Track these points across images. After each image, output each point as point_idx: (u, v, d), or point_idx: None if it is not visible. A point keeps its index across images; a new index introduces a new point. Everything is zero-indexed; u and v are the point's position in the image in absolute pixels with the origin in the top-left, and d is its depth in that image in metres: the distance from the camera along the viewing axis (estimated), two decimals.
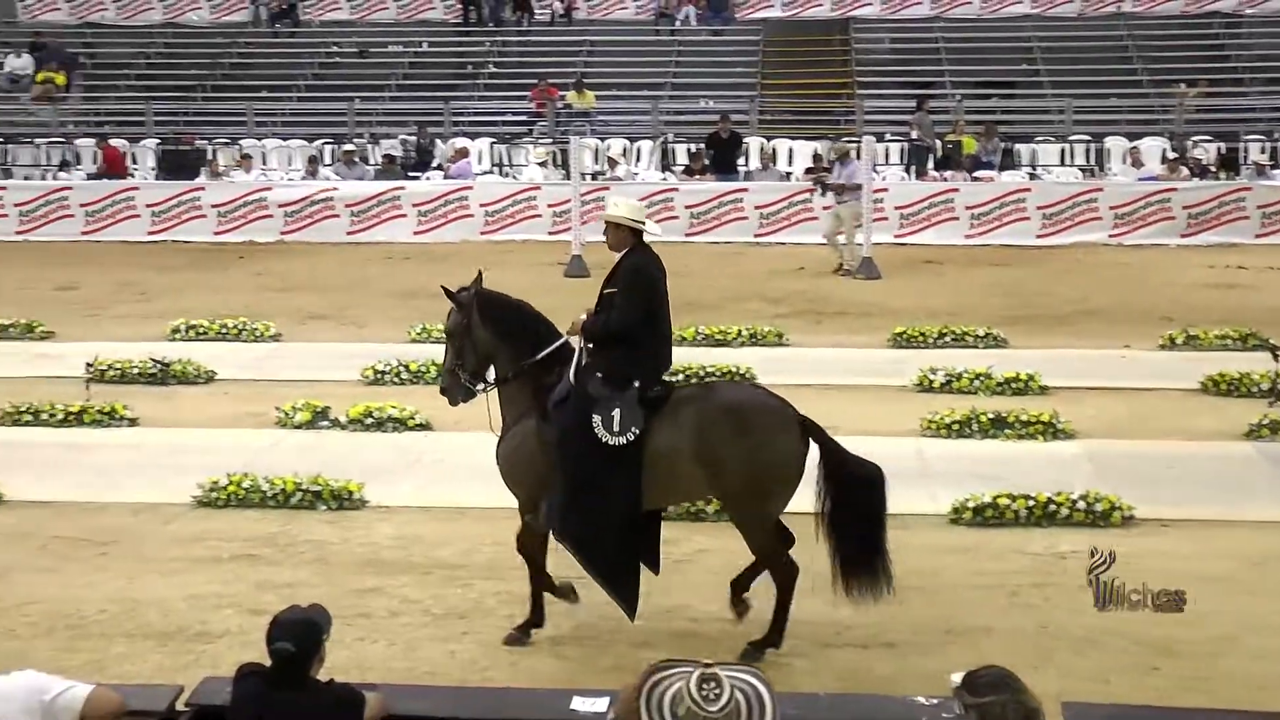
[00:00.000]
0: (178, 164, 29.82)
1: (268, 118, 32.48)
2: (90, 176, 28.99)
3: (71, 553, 10.56)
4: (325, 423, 13.89)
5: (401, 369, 15.69)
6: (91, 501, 11.73)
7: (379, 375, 15.66)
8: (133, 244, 26.69)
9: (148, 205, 27.41)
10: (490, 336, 8.89)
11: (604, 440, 8.42)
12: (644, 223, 8.76)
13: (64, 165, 30.17)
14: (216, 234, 27.05)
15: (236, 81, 34.31)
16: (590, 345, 8.67)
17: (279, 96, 33.34)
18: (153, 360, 15.96)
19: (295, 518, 11.32)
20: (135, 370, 15.81)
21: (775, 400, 8.80)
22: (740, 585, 8.93)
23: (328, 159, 29.79)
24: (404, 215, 26.95)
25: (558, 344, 8.81)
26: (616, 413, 8.42)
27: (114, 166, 29.32)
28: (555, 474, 8.59)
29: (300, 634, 5.69)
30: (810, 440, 8.57)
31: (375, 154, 29.96)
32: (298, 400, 14.21)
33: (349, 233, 26.87)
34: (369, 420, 13.73)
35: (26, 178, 30.02)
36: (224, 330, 18.02)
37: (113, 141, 30.29)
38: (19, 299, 20.95)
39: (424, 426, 13.71)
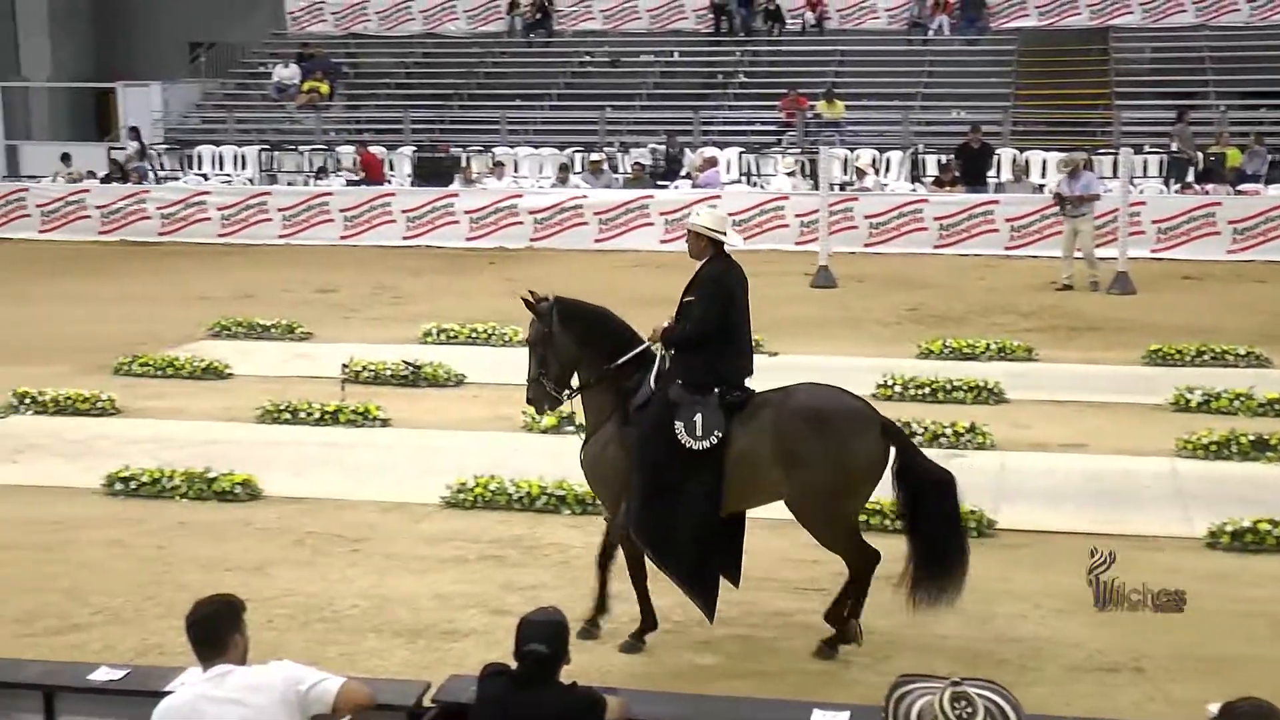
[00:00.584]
0: (433, 171, 30.61)
1: (520, 126, 33.09)
2: (349, 183, 29.91)
3: (326, 548, 10.89)
4: (572, 427, 13.95)
5: None
6: (345, 499, 12.08)
7: None
8: (388, 248, 27.41)
9: (403, 211, 28.17)
10: (571, 344, 9.14)
11: (686, 445, 8.62)
12: (724, 233, 8.93)
13: (322, 172, 31.19)
14: (468, 240, 27.65)
15: (491, 90, 35.02)
16: (671, 352, 8.88)
17: (532, 105, 33.95)
18: (405, 363, 16.37)
19: (540, 521, 11.49)
20: (389, 372, 16.24)
21: (856, 402, 8.93)
22: (836, 615, 8.84)
23: (578, 167, 30.23)
24: (651, 223, 27.18)
25: (638, 349, 9.02)
26: (699, 418, 8.63)
27: (372, 173, 30.21)
28: (634, 477, 8.79)
29: (552, 636, 5.76)
30: (890, 444, 8.61)
31: (625, 162, 30.30)
32: None
33: (597, 240, 27.22)
34: None
35: (290, 183, 31.15)
36: (474, 334, 18.40)
37: (372, 148, 31.22)
38: (281, 300, 21.73)
39: None
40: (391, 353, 16.91)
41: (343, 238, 28.19)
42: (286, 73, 35.48)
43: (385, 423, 14.48)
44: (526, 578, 10.14)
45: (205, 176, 31.85)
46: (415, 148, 32.17)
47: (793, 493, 8.70)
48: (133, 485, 12.37)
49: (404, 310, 21.03)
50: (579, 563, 10.48)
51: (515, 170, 30.88)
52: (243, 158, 32.76)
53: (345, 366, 15.67)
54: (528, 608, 6.16)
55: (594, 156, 29.72)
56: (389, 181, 30.41)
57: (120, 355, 17.35)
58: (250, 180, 31.69)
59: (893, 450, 8.62)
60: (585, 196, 27.73)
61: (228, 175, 32.16)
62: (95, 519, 11.75)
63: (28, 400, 15.22)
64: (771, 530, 9.71)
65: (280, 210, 28.71)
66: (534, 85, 34.84)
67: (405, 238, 27.94)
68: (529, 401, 9.51)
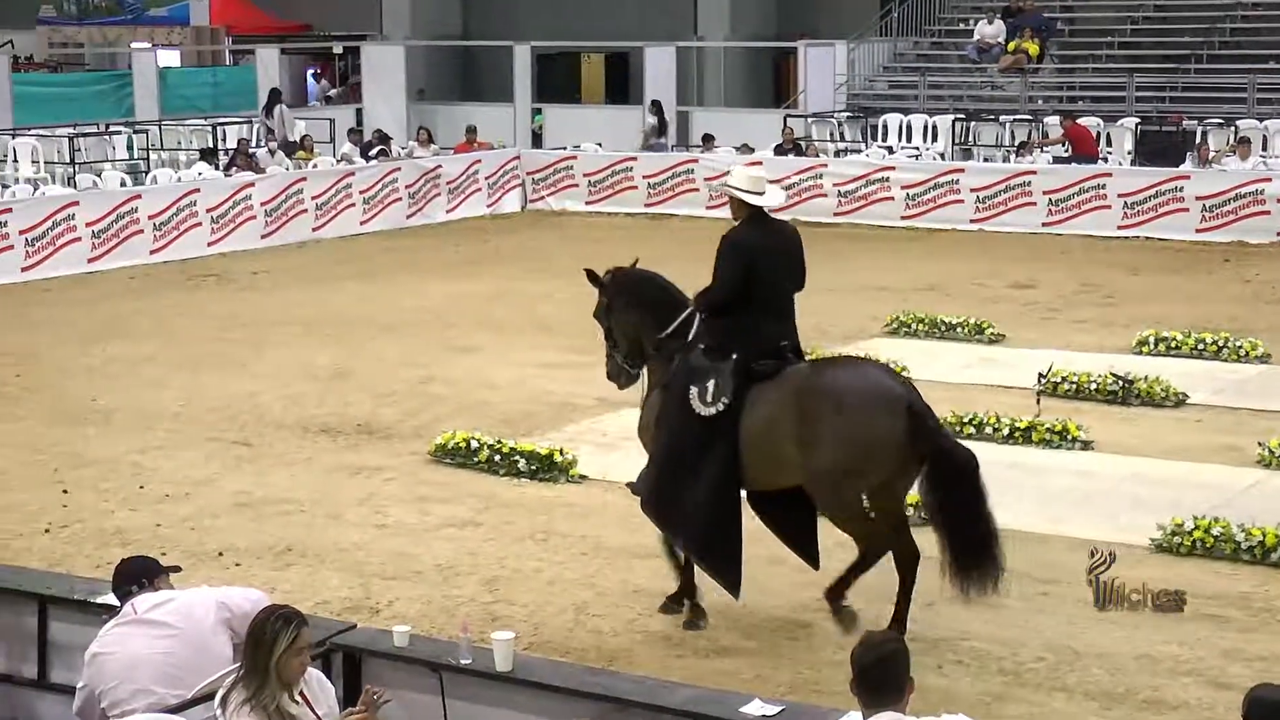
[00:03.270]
0: (1159, 148, 30.00)
1: (1274, 93, 31.89)
2: (1056, 160, 29.70)
3: (1009, 587, 10.84)
4: None
5: None
6: (1034, 531, 11.97)
7: None
8: (1099, 239, 27.07)
9: (1120, 195, 27.65)
10: (628, 316, 10.37)
11: (698, 411, 9.67)
12: (759, 193, 9.86)
13: (1024, 146, 31.04)
14: (1199, 231, 26.83)
15: (1236, 50, 33.95)
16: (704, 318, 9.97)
17: None
18: (1114, 375, 16.11)
19: (1274, 577, 11.02)
20: (1093, 386, 16.04)
21: (888, 381, 9.74)
22: (837, 592, 9.86)
23: None
24: None
25: (682, 316, 10.07)
26: (711, 383, 9.67)
27: (1082, 148, 29.87)
28: (653, 444, 10.05)
29: None
30: (914, 426, 9.32)
31: None
32: None
33: None
34: None
35: (986, 159, 31.31)
36: (1201, 346, 17.91)
37: (1082, 120, 30.91)
38: (970, 295, 21.94)
39: None
40: (1098, 363, 16.72)
41: (1045, 225, 28.00)
42: (990, 30, 35.67)
43: (1087, 445, 14.34)
44: (1256, 646, 9.75)
45: (890, 149, 32.42)
46: (1139, 120, 31.65)
47: (806, 472, 9.56)
48: None
49: (1116, 313, 20.74)
50: None
51: (1264, 148, 29.79)
52: (934, 128, 33.21)
53: (1042, 376, 15.62)
54: (1253, 682, 5.93)
55: None
56: (1104, 160, 30.01)
57: None
58: (940, 155, 32.05)
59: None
60: None
61: (915, 148, 32.66)
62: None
63: None
64: None
65: (974, 191, 28.78)
66: None
67: (1120, 227, 27.44)
68: (609, 377, 10.82)
